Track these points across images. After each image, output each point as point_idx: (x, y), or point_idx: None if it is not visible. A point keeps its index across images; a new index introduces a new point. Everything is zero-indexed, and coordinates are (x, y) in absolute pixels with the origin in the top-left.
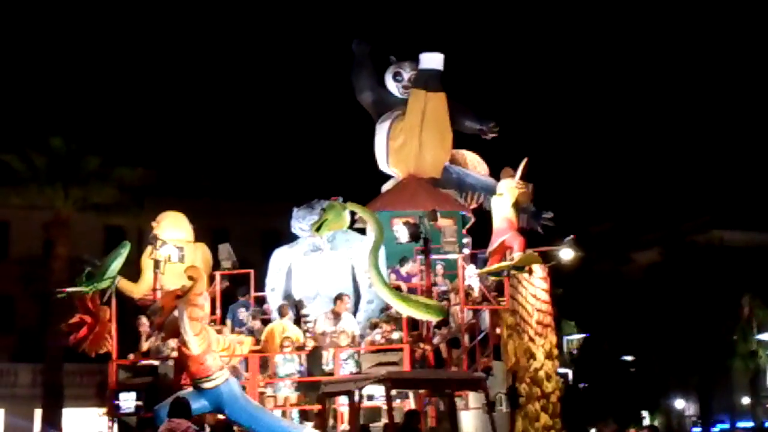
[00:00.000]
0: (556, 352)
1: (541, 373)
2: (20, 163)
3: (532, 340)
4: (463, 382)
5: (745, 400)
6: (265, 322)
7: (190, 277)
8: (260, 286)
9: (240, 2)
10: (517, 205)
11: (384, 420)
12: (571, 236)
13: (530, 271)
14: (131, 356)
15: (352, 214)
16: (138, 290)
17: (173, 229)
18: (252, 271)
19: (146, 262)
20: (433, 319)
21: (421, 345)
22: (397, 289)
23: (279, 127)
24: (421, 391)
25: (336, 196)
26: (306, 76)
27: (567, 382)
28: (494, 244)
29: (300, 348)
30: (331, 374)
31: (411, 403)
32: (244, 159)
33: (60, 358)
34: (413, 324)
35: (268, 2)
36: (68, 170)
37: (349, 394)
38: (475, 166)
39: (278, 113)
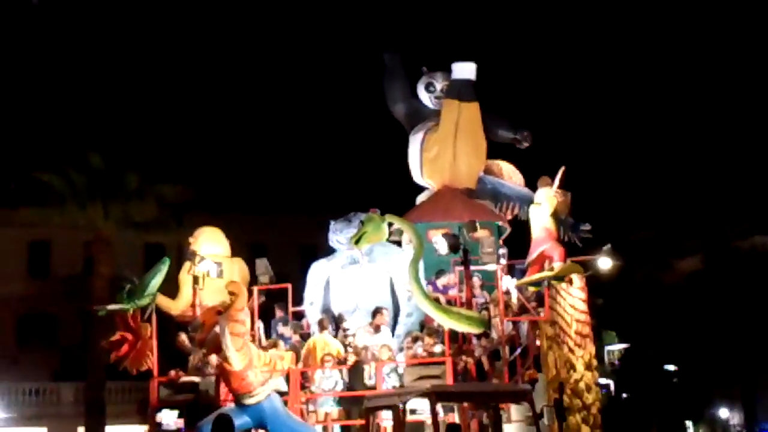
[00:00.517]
0: (595, 362)
1: (582, 385)
2: (60, 182)
3: (571, 351)
4: (509, 394)
5: None
6: (304, 336)
7: (231, 293)
8: (298, 300)
9: (274, 20)
10: (555, 215)
11: None
12: (608, 245)
13: (570, 281)
14: (172, 373)
15: (389, 226)
16: (176, 307)
17: (211, 244)
18: (290, 286)
19: (184, 278)
20: (475, 331)
21: (463, 358)
22: (436, 301)
23: (315, 140)
24: (465, 404)
25: (374, 208)
26: (340, 88)
27: (609, 392)
28: (533, 254)
29: (341, 362)
30: (373, 388)
31: (456, 417)
32: (281, 174)
33: (102, 376)
34: (454, 336)
35: (300, 18)
36: (108, 188)
37: (393, 408)
38: (510, 176)
39: (314, 127)
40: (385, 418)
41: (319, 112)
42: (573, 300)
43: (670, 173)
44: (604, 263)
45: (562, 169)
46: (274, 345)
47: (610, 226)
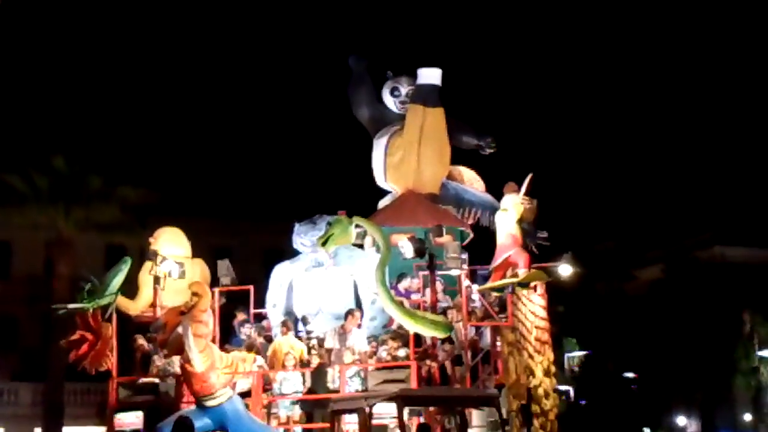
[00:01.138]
0: (553, 369)
1: (540, 391)
2: (22, 183)
3: (531, 357)
4: (477, 399)
5: (747, 417)
6: (267, 339)
7: (195, 294)
8: (260, 302)
9: (239, 25)
10: (521, 221)
11: None
12: (569, 252)
13: (534, 288)
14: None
15: (356, 228)
16: (135, 307)
17: (171, 245)
18: (252, 288)
19: (144, 279)
20: (441, 336)
21: (427, 362)
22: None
23: (279, 145)
24: (431, 408)
25: (342, 210)
26: (305, 94)
27: (568, 399)
28: (498, 259)
29: (304, 365)
30: (336, 392)
31: (421, 421)
32: (245, 178)
33: (61, 377)
34: (418, 341)
35: (265, 25)
36: (70, 190)
37: (359, 411)
38: (471, 182)
39: (278, 132)
40: (349, 421)
41: (283, 116)
42: (533, 306)
43: (632, 184)
44: (565, 270)
45: (530, 176)
46: (250, 347)
47: (572, 235)
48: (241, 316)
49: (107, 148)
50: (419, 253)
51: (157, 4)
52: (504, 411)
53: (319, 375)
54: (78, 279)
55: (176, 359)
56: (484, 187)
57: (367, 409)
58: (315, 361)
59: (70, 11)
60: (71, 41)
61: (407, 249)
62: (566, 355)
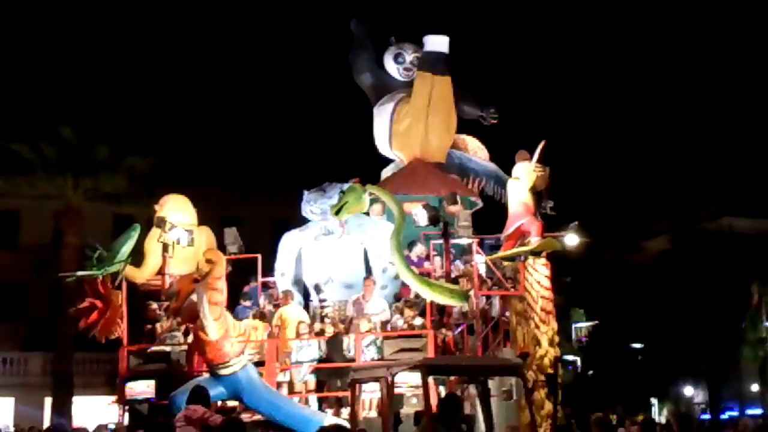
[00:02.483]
0: (557, 339)
1: (546, 361)
2: (30, 153)
3: (537, 326)
4: (502, 368)
5: (754, 388)
6: (276, 308)
7: (209, 260)
8: (267, 271)
9: None
10: (534, 189)
11: (408, 408)
12: (576, 222)
13: (546, 257)
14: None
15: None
16: (141, 275)
17: (178, 212)
18: (259, 256)
19: (151, 246)
20: (458, 304)
21: (443, 331)
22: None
23: (284, 113)
24: (452, 378)
25: (356, 178)
26: (308, 62)
27: (576, 369)
28: (510, 228)
29: (319, 333)
30: (352, 360)
31: (442, 390)
32: (253, 147)
33: (70, 346)
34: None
35: None
36: (78, 160)
37: (381, 380)
38: (475, 151)
39: (283, 100)
40: (366, 390)
41: (288, 85)
42: (538, 276)
43: (639, 155)
44: (571, 240)
45: (542, 143)
46: (262, 316)
47: (579, 205)
48: (253, 285)
49: (115, 117)
50: (433, 220)
51: None
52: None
53: (335, 343)
54: (84, 246)
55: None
56: (488, 155)
57: (390, 378)
58: (329, 330)
59: None
60: (79, 11)
61: (421, 216)
62: (573, 325)
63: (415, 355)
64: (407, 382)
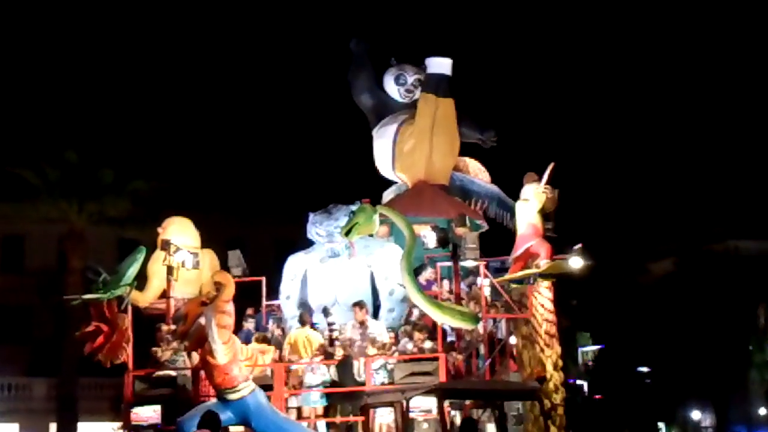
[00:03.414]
0: (560, 363)
1: (551, 385)
2: (35, 177)
3: (542, 350)
4: (519, 393)
5: (762, 411)
6: (283, 330)
7: (218, 283)
8: (272, 294)
9: (246, 19)
10: (543, 211)
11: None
12: (579, 245)
13: (554, 280)
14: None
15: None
16: (144, 299)
17: (181, 234)
18: (263, 279)
19: (154, 269)
20: (469, 327)
21: (453, 354)
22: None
23: (286, 136)
24: (467, 402)
25: (365, 198)
26: (311, 84)
27: (582, 393)
28: (519, 250)
29: (329, 357)
30: (362, 384)
31: (457, 415)
32: (257, 171)
33: (75, 371)
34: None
35: (271, 18)
36: (83, 184)
37: (395, 405)
38: (476, 173)
39: (285, 122)
40: (379, 415)
41: (291, 107)
42: (542, 299)
43: (645, 177)
44: (576, 263)
45: (552, 165)
46: (264, 340)
47: (584, 227)
48: (250, 311)
49: (119, 141)
50: (442, 242)
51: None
52: (520, 405)
53: (345, 367)
54: (85, 268)
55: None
56: (489, 178)
57: (404, 403)
58: (339, 353)
59: (84, 6)
60: (83, 35)
61: (430, 238)
62: (580, 349)
63: (426, 379)
64: (419, 406)
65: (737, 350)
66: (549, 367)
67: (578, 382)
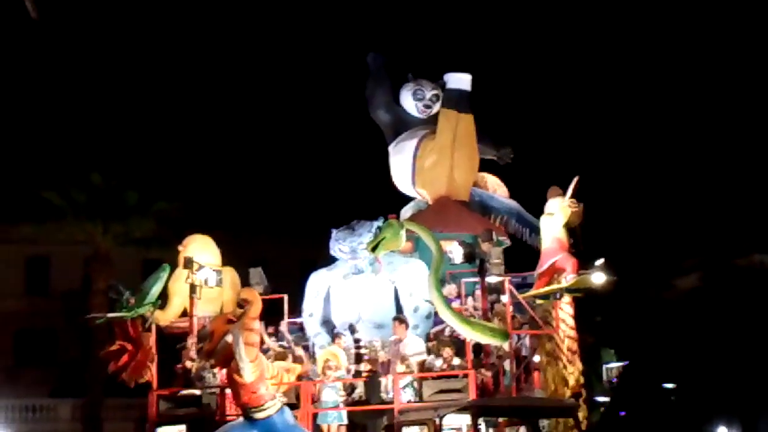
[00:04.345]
0: (582, 380)
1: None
2: (60, 200)
3: (564, 367)
4: (556, 409)
5: None
6: (305, 348)
7: (245, 300)
8: (294, 312)
9: (267, 38)
10: (568, 225)
11: None
12: (602, 259)
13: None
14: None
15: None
16: (165, 317)
17: (201, 252)
18: (286, 296)
19: (175, 288)
20: (498, 343)
21: (482, 371)
22: (435, 314)
23: (308, 155)
24: (501, 420)
25: (392, 214)
26: (327, 101)
27: (607, 410)
28: (544, 265)
29: (357, 374)
30: (390, 402)
31: None
32: (279, 190)
33: (100, 392)
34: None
35: (292, 35)
36: (108, 205)
37: (428, 423)
38: (495, 189)
39: (307, 141)
40: None
41: (311, 125)
42: (563, 315)
43: (669, 191)
44: (598, 278)
45: (576, 178)
46: (284, 357)
47: (609, 242)
48: (271, 329)
49: (143, 163)
50: (469, 258)
51: (190, 21)
52: (546, 423)
53: (372, 385)
54: (108, 287)
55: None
56: (507, 192)
57: (437, 421)
58: (364, 369)
59: (103, 28)
60: (106, 58)
61: (457, 253)
62: (604, 366)
63: (455, 397)
64: (449, 424)
65: (764, 365)
66: (572, 384)
67: (603, 398)
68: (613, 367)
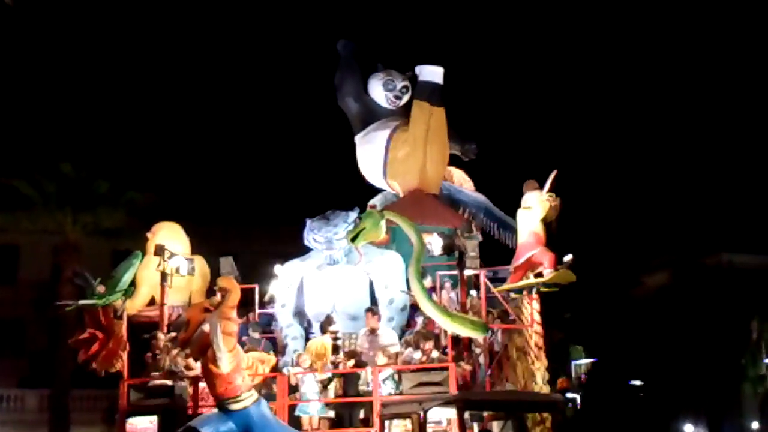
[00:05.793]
0: (547, 376)
1: None
2: (30, 189)
3: (532, 362)
4: (541, 404)
5: (755, 425)
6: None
7: (223, 289)
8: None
9: (242, 30)
10: (545, 219)
11: None
12: (570, 256)
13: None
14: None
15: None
16: (133, 306)
17: (171, 240)
18: (257, 286)
19: (143, 276)
20: (479, 336)
21: (462, 364)
22: (413, 306)
23: (281, 146)
24: (486, 414)
25: (372, 203)
26: (305, 95)
27: (575, 407)
28: (520, 259)
29: (336, 365)
30: (368, 395)
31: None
32: (251, 182)
33: (68, 382)
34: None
35: (266, 28)
36: (78, 195)
37: (412, 416)
38: (461, 182)
39: (278, 133)
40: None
41: (282, 118)
42: (531, 310)
43: (640, 189)
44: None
45: (554, 172)
46: (253, 348)
47: (579, 240)
48: (251, 317)
49: (114, 153)
50: (447, 250)
51: (160, 11)
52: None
53: (350, 377)
54: (73, 274)
55: (179, 359)
56: (473, 187)
57: (422, 414)
58: (349, 363)
59: (76, 17)
60: (77, 47)
61: (435, 246)
62: (573, 362)
63: (435, 390)
64: (431, 417)
65: (731, 364)
66: (539, 380)
67: (571, 395)
68: (581, 364)
